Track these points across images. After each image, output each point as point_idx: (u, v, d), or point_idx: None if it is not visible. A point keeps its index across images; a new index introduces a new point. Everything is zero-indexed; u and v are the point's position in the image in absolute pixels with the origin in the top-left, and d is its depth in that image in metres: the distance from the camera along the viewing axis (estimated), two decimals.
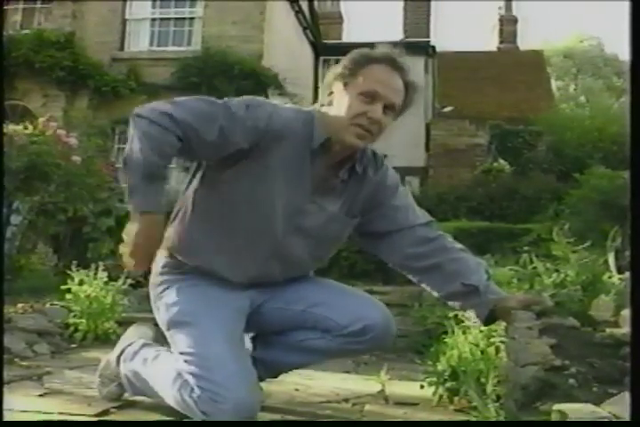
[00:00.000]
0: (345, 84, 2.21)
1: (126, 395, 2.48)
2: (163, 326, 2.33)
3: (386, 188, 2.38)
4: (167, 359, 2.31)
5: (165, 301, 2.33)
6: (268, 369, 2.44)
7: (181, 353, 2.19)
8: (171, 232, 2.34)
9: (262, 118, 2.13)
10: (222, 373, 2.09)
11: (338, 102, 2.21)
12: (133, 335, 2.61)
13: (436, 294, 2.40)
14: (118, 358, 2.48)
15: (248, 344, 2.49)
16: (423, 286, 2.43)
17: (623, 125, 10.57)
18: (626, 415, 1.45)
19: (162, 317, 2.33)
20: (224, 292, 2.29)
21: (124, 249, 2.09)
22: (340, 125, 2.18)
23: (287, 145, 2.17)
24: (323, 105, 2.27)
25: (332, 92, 2.24)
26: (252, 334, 2.51)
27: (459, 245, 2.41)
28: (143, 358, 2.39)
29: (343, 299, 2.35)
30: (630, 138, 1.59)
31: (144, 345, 2.47)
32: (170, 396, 2.21)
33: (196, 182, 2.31)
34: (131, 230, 2.07)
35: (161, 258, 2.40)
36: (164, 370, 2.27)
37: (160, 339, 2.45)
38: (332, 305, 2.32)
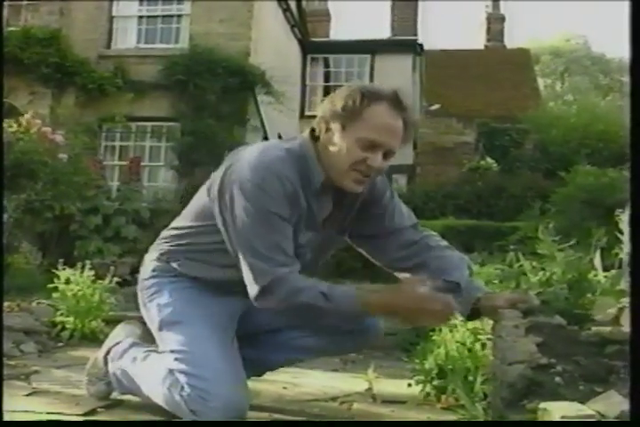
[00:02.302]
0: (343, 127, 2.11)
1: (114, 394, 2.48)
2: (153, 326, 2.33)
3: (374, 194, 2.36)
4: (157, 359, 2.32)
5: (158, 301, 2.34)
6: (255, 367, 2.44)
7: (172, 351, 2.20)
8: (168, 240, 2.39)
9: (280, 192, 2.09)
10: (212, 371, 2.10)
11: (336, 145, 2.13)
12: (121, 334, 2.61)
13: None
14: (106, 356, 2.48)
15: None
16: None
17: (609, 123, 10.61)
18: (611, 414, 1.46)
19: (153, 317, 2.34)
20: (216, 294, 2.31)
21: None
22: (338, 170, 2.13)
23: (298, 197, 2.13)
24: (317, 136, 2.19)
25: (329, 129, 2.15)
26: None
27: (443, 243, 2.42)
28: (132, 357, 2.39)
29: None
30: (630, 137, 1.60)
31: (133, 344, 2.47)
32: (159, 395, 2.21)
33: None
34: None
35: (150, 262, 2.42)
36: (153, 369, 2.27)
37: (147, 337, 2.45)
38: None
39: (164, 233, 2.46)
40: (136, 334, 2.61)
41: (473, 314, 2.26)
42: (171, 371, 2.16)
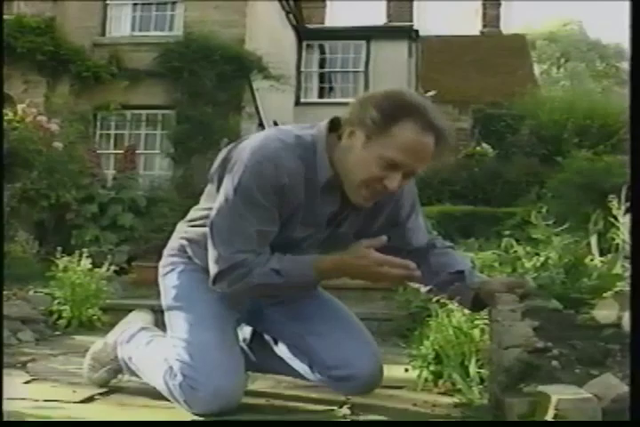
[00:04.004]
0: (367, 137, 1.97)
1: (114, 381, 2.49)
2: (163, 305, 2.35)
3: (403, 207, 2.27)
4: (158, 345, 2.33)
5: (166, 282, 2.36)
6: (257, 366, 2.47)
7: (172, 337, 2.22)
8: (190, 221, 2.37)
9: (271, 180, 2.01)
10: (206, 362, 2.10)
11: (356, 155, 2.00)
12: (133, 319, 2.63)
13: (423, 289, 2.39)
14: (116, 341, 2.49)
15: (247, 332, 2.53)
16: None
17: (594, 101, 10.61)
18: (608, 396, 1.47)
19: (162, 296, 2.36)
20: None
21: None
22: (351, 181, 2.03)
23: (296, 190, 2.06)
24: (339, 133, 2.07)
25: (352, 133, 2.02)
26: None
27: (447, 244, 2.41)
28: (138, 342, 2.40)
29: (340, 337, 2.25)
30: (630, 135, 1.61)
31: (142, 329, 2.49)
32: (156, 381, 2.23)
33: None
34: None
35: (175, 239, 2.42)
36: (153, 355, 2.29)
37: (160, 324, 2.46)
38: (326, 340, 2.25)
39: (191, 212, 2.44)
40: (147, 320, 2.63)
41: (477, 304, 2.24)
42: (167, 359, 2.18)
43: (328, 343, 2.24)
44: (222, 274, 2.07)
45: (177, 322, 2.24)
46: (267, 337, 2.50)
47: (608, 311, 1.91)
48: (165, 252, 2.45)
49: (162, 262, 2.44)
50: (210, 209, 2.14)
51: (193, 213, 2.38)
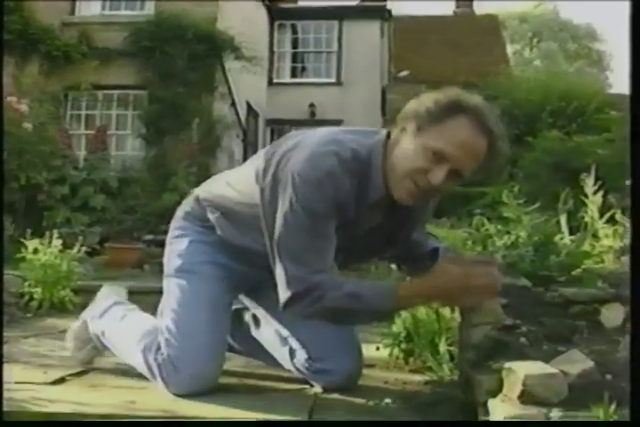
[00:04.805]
0: (419, 129, 1.92)
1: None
2: (164, 268, 2.32)
3: (423, 219, 2.28)
4: (133, 319, 2.33)
5: (175, 247, 2.30)
6: (242, 351, 2.49)
7: (165, 307, 2.21)
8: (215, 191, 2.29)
9: (331, 195, 1.92)
10: (192, 344, 2.10)
11: (403, 146, 1.95)
12: (106, 294, 2.61)
13: (394, 266, 2.41)
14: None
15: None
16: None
17: (571, 83, 10.66)
18: (574, 371, 1.49)
19: (166, 260, 2.32)
20: (234, 259, 2.24)
21: None
22: (396, 175, 1.95)
23: (349, 206, 1.98)
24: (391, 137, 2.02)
25: (404, 129, 1.96)
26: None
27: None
28: (111, 317, 2.40)
29: (329, 330, 2.22)
30: (630, 136, 1.62)
31: (115, 303, 2.48)
32: (132, 356, 2.24)
33: None
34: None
35: (191, 200, 2.36)
36: (128, 330, 2.29)
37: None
38: (315, 331, 2.23)
39: (213, 181, 2.39)
40: (120, 294, 2.62)
41: None
42: (151, 331, 2.18)
43: (316, 335, 2.24)
44: (297, 296, 1.94)
45: (174, 293, 2.21)
46: (246, 318, 2.50)
47: (615, 314, 1.92)
48: (178, 213, 2.38)
49: (172, 224, 2.37)
50: (250, 203, 2.09)
51: (225, 191, 2.25)
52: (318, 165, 1.91)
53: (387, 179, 1.98)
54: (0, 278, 3.67)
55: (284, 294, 1.96)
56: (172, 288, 2.24)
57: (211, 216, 2.26)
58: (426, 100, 1.95)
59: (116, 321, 2.38)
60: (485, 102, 1.96)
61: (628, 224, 2.46)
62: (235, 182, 2.23)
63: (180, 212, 2.39)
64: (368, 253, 2.24)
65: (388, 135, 2.03)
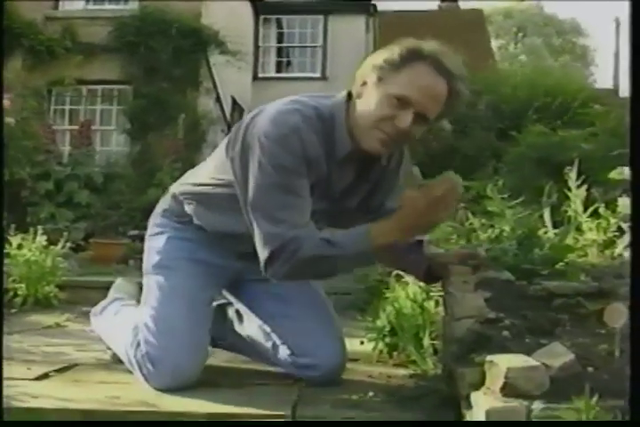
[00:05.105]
0: (379, 79, 1.96)
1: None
2: (143, 266, 2.32)
3: (396, 186, 2.25)
4: (125, 315, 2.33)
5: (153, 244, 2.31)
6: (213, 342, 2.45)
7: (144, 303, 2.22)
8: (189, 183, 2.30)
9: (299, 152, 1.96)
10: (170, 339, 2.10)
11: (366, 98, 1.99)
12: (117, 288, 2.64)
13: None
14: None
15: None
16: None
17: (557, 79, 10.69)
18: (555, 364, 1.50)
19: (145, 258, 2.32)
20: (211, 253, 2.25)
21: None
22: (363, 127, 1.99)
23: (318, 163, 2.01)
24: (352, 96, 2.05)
25: (365, 83, 2.00)
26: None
27: None
28: (108, 313, 2.43)
29: (312, 326, 2.25)
30: (630, 136, 1.62)
31: (115, 300, 2.50)
32: (120, 351, 2.26)
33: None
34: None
35: (168, 197, 2.36)
36: (119, 325, 2.30)
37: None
38: (298, 326, 2.25)
39: (189, 174, 2.39)
40: (129, 289, 2.64)
41: (430, 276, 2.22)
42: (135, 328, 2.18)
43: (299, 330, 2.25)
44: (275, 254, 1.94)
45: (153, 290, 2.22)
46: (230, 314, 2.50)
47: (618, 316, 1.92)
48: (156, 210, 2.39)
49: (151, 221, 2.38)
50: (224, 180, 2.11)
51: (199, 178, 2.27)
52: (282, 122, 1.96)
53: (352, 134, 2.01)
54: (0, 278, 3.64)
55: (262, 254, 1.97)
56: (150, 285, 2.24)
57: (187, 208, 2.26)
58: (383, 52, 2.01)
59: (110, 317, 2.40)
60: (443, 47, 2.03)
61: (626, 226, 2.47)
62: (208, 166, 2.27)
63: (158, 209, 2.39)
64: (344, 219, 2.17)
65: (349, 96, 2.07)
